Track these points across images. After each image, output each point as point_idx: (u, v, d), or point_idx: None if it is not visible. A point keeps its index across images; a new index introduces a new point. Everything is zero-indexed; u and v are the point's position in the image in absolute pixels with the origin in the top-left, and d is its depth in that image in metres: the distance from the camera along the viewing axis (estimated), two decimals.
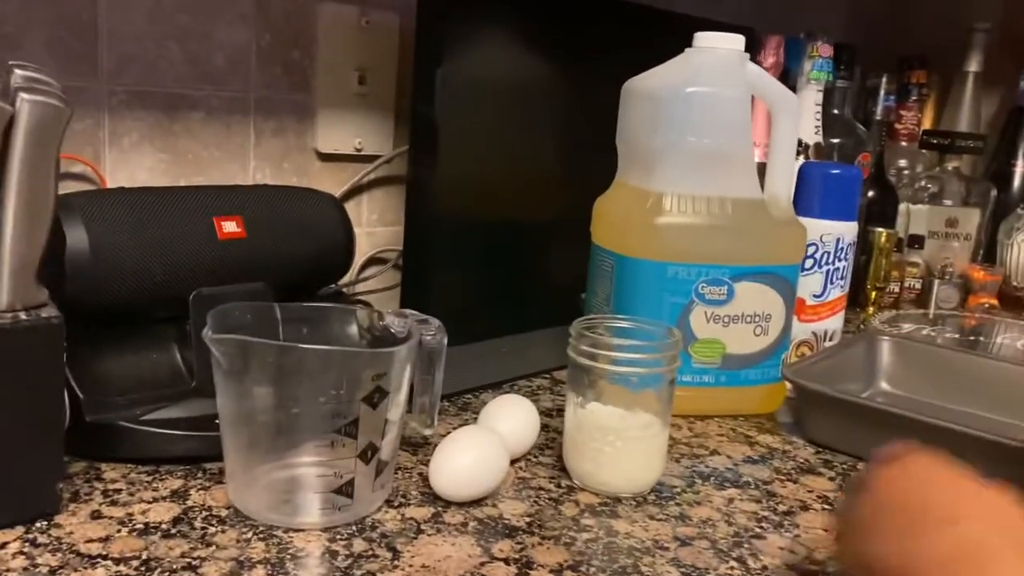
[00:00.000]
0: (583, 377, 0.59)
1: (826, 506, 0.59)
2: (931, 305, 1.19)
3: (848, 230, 0.80)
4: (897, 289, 1.19)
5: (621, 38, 0.86)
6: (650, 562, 0.50)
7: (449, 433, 0.57)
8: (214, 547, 0.47)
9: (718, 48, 0.72)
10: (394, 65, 0.81)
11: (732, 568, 0.50)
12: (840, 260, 0.79)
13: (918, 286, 1.21)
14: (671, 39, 0.74)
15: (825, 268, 0.79)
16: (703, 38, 0.72)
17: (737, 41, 0.72)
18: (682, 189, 0.71)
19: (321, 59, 0.77)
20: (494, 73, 0.78)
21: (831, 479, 0.63)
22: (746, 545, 0.53)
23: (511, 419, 0.62)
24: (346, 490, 0.51)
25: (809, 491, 0.61)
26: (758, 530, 0.55)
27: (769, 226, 0.73)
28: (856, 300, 1.17)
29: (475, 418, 0.69)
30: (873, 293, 1.17)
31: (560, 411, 0.72)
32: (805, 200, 0.80)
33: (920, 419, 0.65)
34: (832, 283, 0.80)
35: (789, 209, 0.76)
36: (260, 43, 0.75)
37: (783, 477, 0.63)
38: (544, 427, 0.67)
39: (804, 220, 0.78)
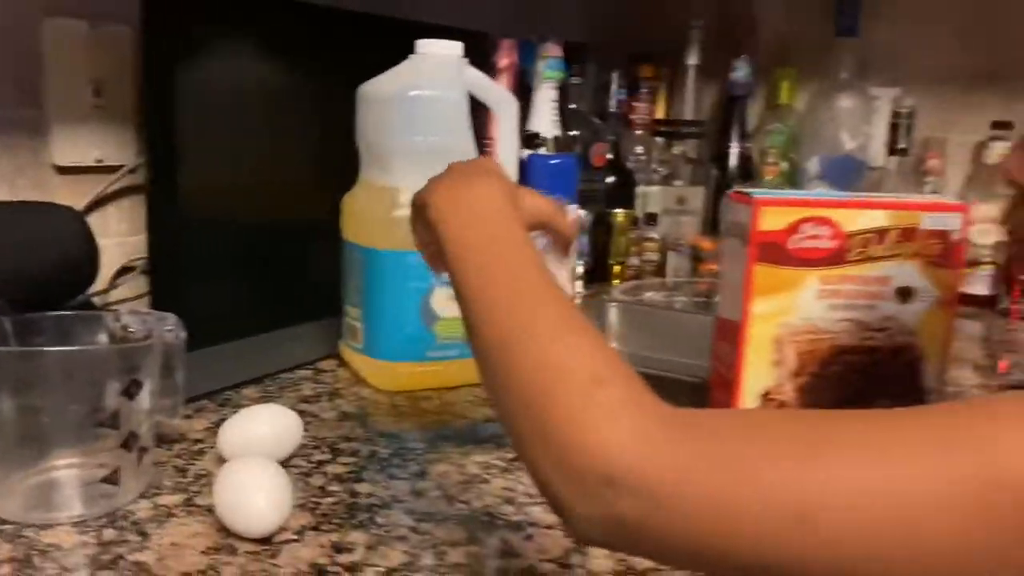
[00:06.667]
0: None
1: None
2: (667, 274, 1.34)
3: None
4: (638, 263, 1.34)
5: (357, 44, 0.92)
6: (387, 514, 0.57)
7: (226, 463, 0.56)
8: None
9: (438, 54, 0.80)
10: (130, 76, 0.82)
11: (459, 509, 0.58)
12: None
13: (656, 259, 1.36)
14: (407, 43, 0.80)
15: None
16: (424, 45, 0.80)
17: (455, 47, 0.80)
18: (416, 183, 0.77)
19: (50, 73, 0.78)
20: (231, 80, 0.81)
21: None
22: (473, 490, 0.61)
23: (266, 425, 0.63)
24: (112, 478, 0.55)
25: None
26: (486, 476, 0.63)
27: None
28: (602, 275, 1.31)
29: (235, 412, 0.72)
30: (616, 267, 1.30)
31: (319, 397, 0.78)
32: (530, 187, 0.90)
33: None
34: None
35: None
36: None
37: None
38: (303, 412, 0.72)
39: None
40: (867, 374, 0.62)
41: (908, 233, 0.60)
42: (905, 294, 0.61)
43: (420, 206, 0.52)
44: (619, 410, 0.35)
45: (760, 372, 0.61)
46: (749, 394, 0.62)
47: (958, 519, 0.30)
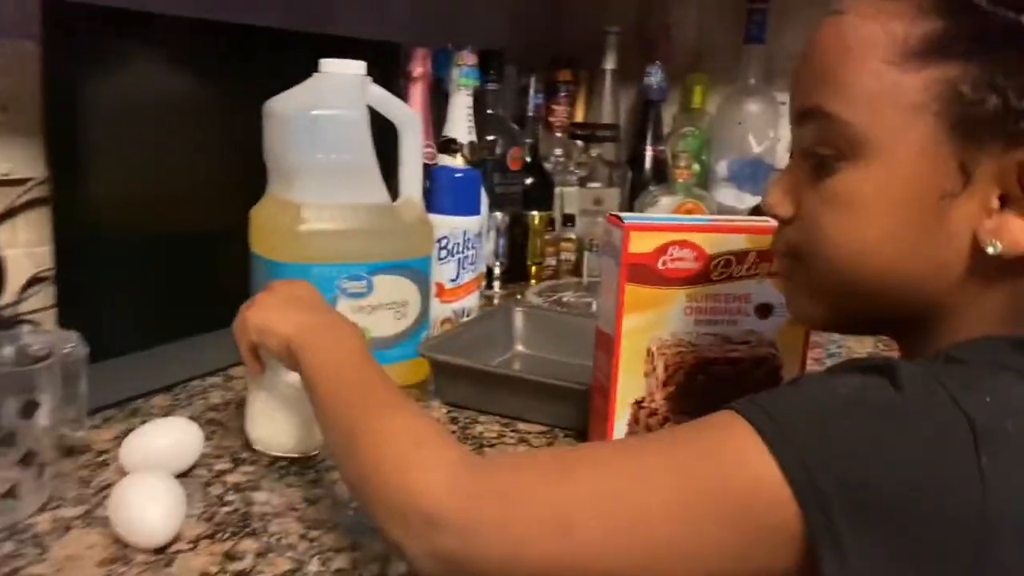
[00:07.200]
0: None
1: None
2: (583, 274, 1.39)
3: (472, 223, 0.95)
4: (555, 263, 1.38)
5: (269, 59, 0.94)
6: (279, 522, 0.60)
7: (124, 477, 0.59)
8: None
9: (341, 72, 0.82)
10: (38, 91, 0.84)
11: (348, 516, 0.61)
12: (469, 249, 0.94)
13: (573, 258, 1.41)
14: (320, 56, 0.82)
15: (457, 257, 0.93)
16: (327, 64, 0.82)
17: (358, 66, 0.83)
18: (319, 199, 0.81)
19: None
20: (137, 93, 0.83)
21: (452, 431, 0.77)
22: None
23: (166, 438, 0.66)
24: (11, 494, 0.57)
25: None
26: None
27: (400, 225, 0.85)
28: (520, 275, 1.35)
29: (143, 422, 0.75)
30: (533, 268, 1.35)
31: (227, 405, 0.80)
32: (436, 200, 0.94)
33: (503, 373, 0.82)
34: (464, 269, 0.94)
35: (420, 208, 0.89)
36: None
37: None
38: (210, 421, 0.75)
39: (437, 217, 0.92)
40: (731, 383, 0.67)
41: (765, 254, 0.65)
42: (764, 310, 0.67)
43: (267, 332, 0.63)
44: (434, 462, 0.43)
45: (632, 382, 0.66)
46: (622, 402, 0.67)
47: (688, 523, 0.36)
